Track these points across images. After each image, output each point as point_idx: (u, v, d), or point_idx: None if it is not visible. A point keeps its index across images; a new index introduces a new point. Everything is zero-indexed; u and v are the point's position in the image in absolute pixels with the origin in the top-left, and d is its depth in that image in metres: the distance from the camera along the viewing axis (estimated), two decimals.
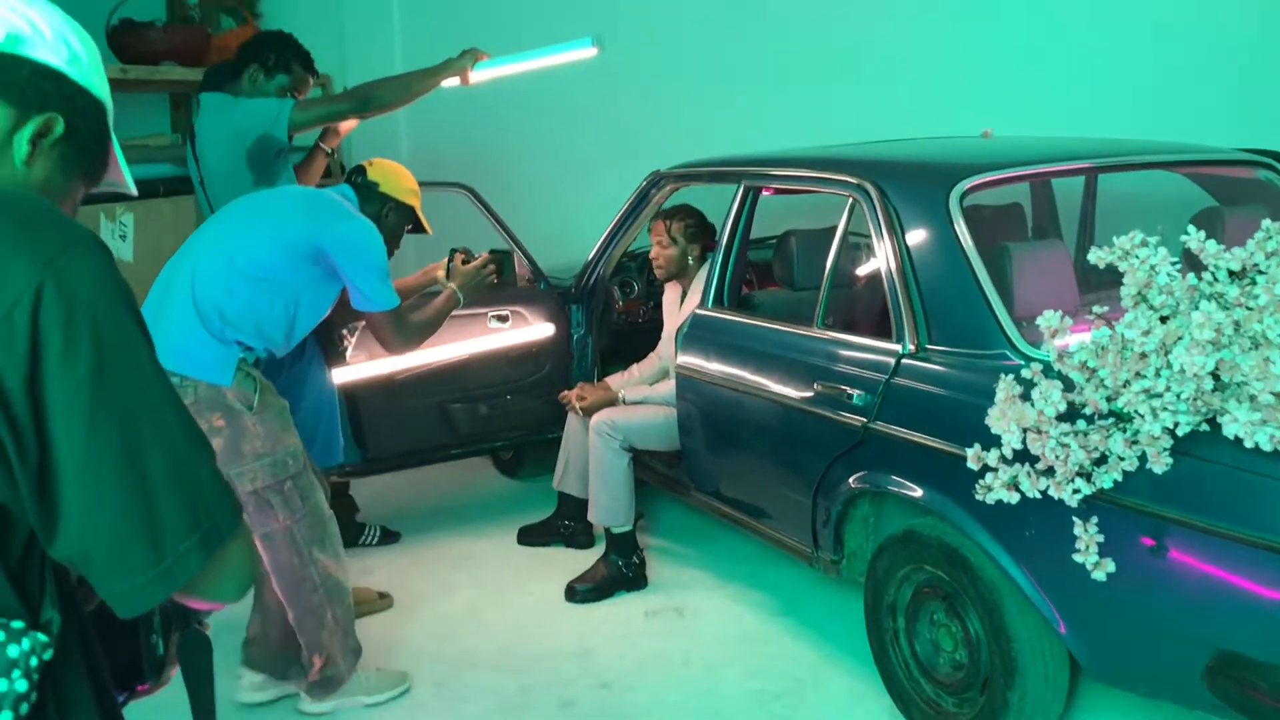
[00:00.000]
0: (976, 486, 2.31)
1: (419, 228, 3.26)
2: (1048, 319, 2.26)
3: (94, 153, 1.15)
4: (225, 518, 1.02)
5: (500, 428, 4.15)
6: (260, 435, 2.74)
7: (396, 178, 3.16)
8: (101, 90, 1.15)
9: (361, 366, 3.74)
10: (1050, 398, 2.14)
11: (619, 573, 3.68)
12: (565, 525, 4.08)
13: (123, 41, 5.33)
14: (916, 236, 2.77)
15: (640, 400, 3.82)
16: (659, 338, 4.15)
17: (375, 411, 3.86)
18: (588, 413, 3.79)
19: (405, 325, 3.01)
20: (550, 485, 4.09)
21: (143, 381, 0.98)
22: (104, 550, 0.95)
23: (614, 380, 4.03)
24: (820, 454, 2.92)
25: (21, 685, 0.91)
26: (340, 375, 3.60)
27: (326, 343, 3.52)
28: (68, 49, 1.10)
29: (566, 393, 3.97)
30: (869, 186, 2.92)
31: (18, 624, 0.93)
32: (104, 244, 1.00)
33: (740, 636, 3.34)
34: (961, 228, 2.69)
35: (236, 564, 1.04)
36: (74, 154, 1.12)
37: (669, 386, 3.71)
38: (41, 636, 0.94)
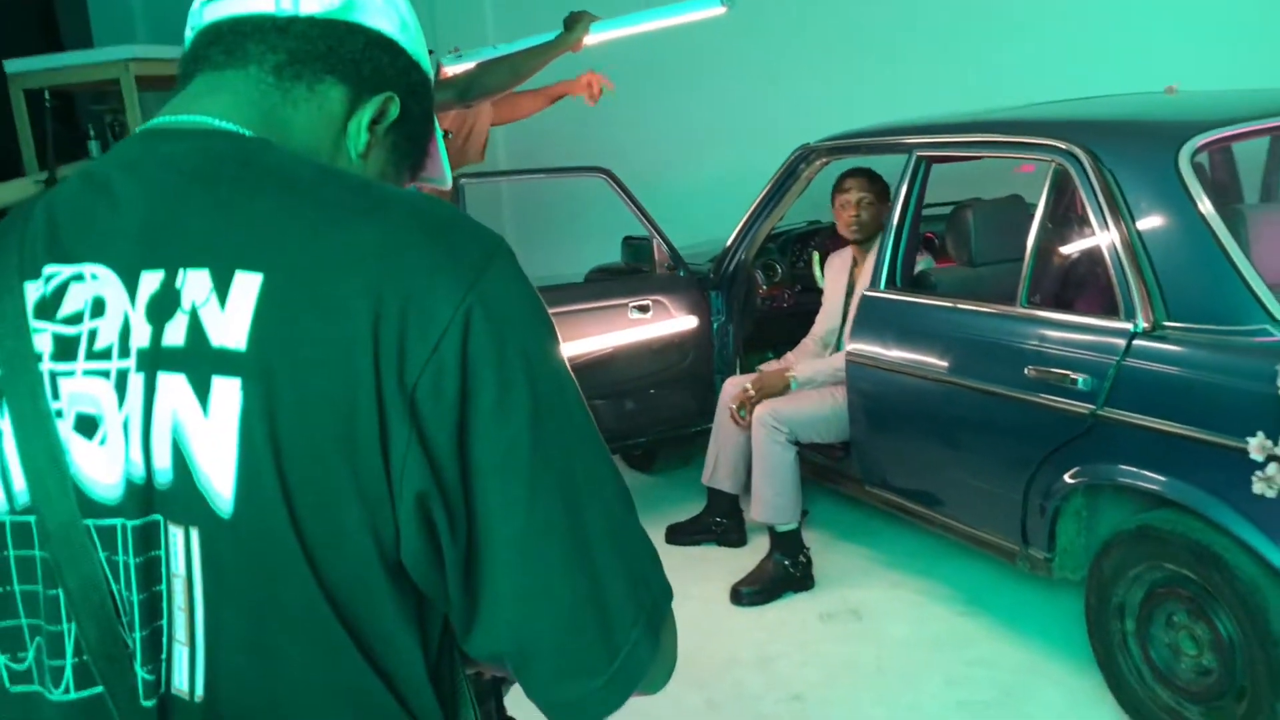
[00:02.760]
0: (1254, 478, 2.08)
1: None
2: None
3: (423, 139, 0.93)
4: (661, 589, 0.80)
5: (646, 422, 3.97)
6: None
7: None
8: (428, 63, 0.93)
9: None
10: None
11: (785, 573, 3.48)
12: (717, 522, 3.89)
13: None
14: (1143, 203, 2.52)
15: (809, 377, 3.58)
16: (805, 323, 3.94)
17: None
18: (766, 395, 3.55)
19: None
20: (689, 478, 3.90)
21: (578, 429, 0.76)
22: (550, 648, 0.74)
23: (768, 369, 3.82)
24: (1036, 444, 2.68)
25: None
26: None
27: None
28: (398, 12, 0.88)
29: (737, 392, 3.71)
30: (1078, 151, 2.66)
31: None
32: (514, 252, 0.77)
33: (931, 640, 3.12)
34: (1197, 189, 2.43)
35: (670, 644, 0.82)
36: (406, 141, 0.90)
37: (841, 360, 3.47)
38: None
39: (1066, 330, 2.67)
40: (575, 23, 3.34)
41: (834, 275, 3.82)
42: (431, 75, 0.95)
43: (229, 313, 0.69)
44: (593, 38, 3.37)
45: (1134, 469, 2.47)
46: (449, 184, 1.02)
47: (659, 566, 0.81)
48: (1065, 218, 2.92)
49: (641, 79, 5.20)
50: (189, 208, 0.74)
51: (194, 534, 0.69)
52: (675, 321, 3.89)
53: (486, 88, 3.34)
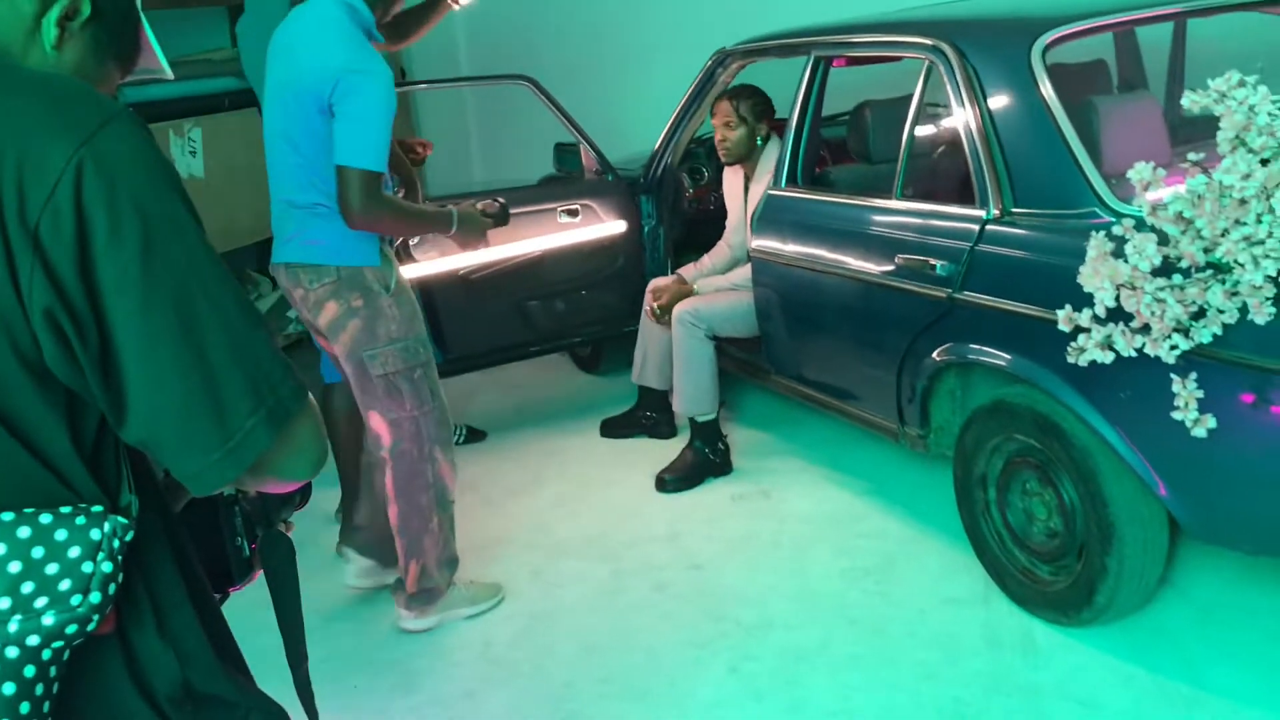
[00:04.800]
0: (1068, 349, 2.25)
1: None
2: (1139, 171, 2.17)
3: (124, 34, 1.11)
4: (290, 393, 1.00)
5: (577, 323, 4.16)
6: (395, 318, 2.74)
7: None
8: None
9: (431, 264, 3.72)
10: (1145, 251, 2.06)
11: (706, 460, 3.69)
12: (647, 416, 4.10)
13: None
14: (998, 97, 2.67)
15: (713, 290, 3.78)
16: None
17: (454, 313, 3.88)
18: (665, 310, 3.76)
19: (373, 194, 2.59)
20: (629, 379, 4.10)
21: (194, 258, 0.95)
22: (171, 430, 0.95)
23: (685, 271, 3.99)
24: (904, 329, 2.86)
25: (107, 566, 0.92)
26: (409, 272, 3.59)
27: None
28: None
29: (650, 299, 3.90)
30: (945, 47, 2.80)
31: (97, 508, 0.93)
32: (141, 120, 0.97)
33: (828, 516, 3.34)
34: (1045, 84, 2.57)
35: (306, 440, 1.03)
36: (104, 35, 1.08)
37: (742, 272, 3.67)
38: (121, 519, 0.94)
39: (931, 219, 2.83)
40: None
41: (729, 188, 3.97)
42: None
43: None
44: None
45: (983, 347, 2.65)
46: (169, 73, 1.20)
47: (290, 376, 1.01)
48: (936, 113, 3.06)
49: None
50: None
51: None
52: (604, 225, 4.05)
53: (406, 32, 3.30)
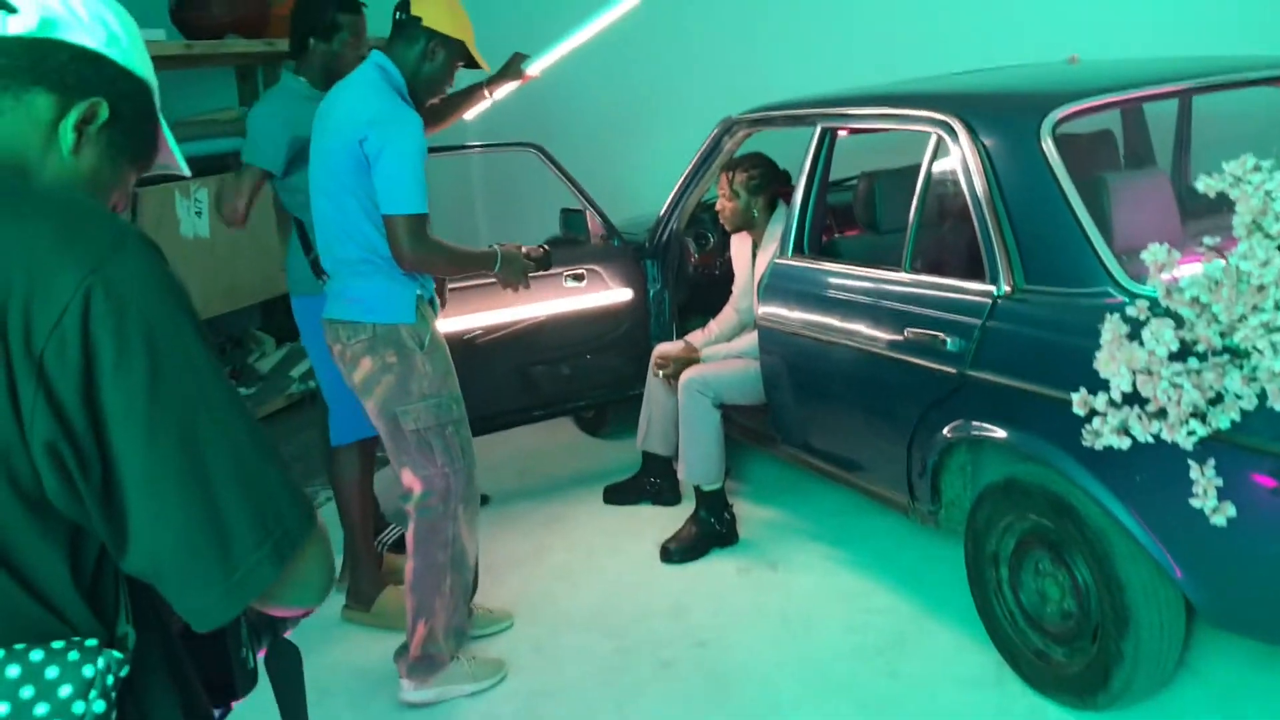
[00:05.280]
0: (1084, 432, 2.22)
1: (471, 63, 2.92)
2: (1154, 253, 2.15)
3: (142, 136, 1.10)
4: (297, 523, 0.97)
5: (582, 387, 4.12)
6: (428, 375, 2.78)
7: (443, 8, 2.82)
8: (145, 70, 1.09)
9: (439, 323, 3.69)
10: (1162, 337, 2.03)
11: (711, 530, 3.64)
12: (651, 483, 4.06)
13: (186, 17, 5.34)
14: (1007, 171, 2.65)
15: (720, 358, 3.75)
16: None
17: (458, 377, 3.83)
18: (674, 377, 3.73)
19: (421, 236, 2.67)
20: (633, 443, 4.06)
21: (203, 384, 0.93)
22: (174, 564, 0.92)
23: (694, 338, 3.97)
24: (914, 403, 2.83)
25: (99, 706, 0.88)
26: None
27: None
28: (105, 29, 1.05)
29: (655, 364, 3.90)
30: (954, 121, 2.79)
31: (92, 642, 0.90)
32: (153, 242, 0.95)
33: (837, 591, 3.29)
34: (1055, 160, 2.56)
35: (313, 570, 0.99)
36: (121, 138, 1.07)
37: (749, 340, 3.64)
38: (116, 654, 0.91)
39: (941, 292, 2.81)
40: (509, 66, 3.52)
41: (737, 255, 3.97)
42: (154, 85, 1.11)
43: None
44: (536, 67, 3.53)
45: (998, 426, 2.61)
46: (185, 171, 1.19)
47: (298, 505, 0.98)
48: (945, 186, 3.05)
49: (592, 65, 5.31)
50: None
51: None
52: (610, 289, 4.04)
53: (438, 118, 3.50)
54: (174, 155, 1.15)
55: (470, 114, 3.69)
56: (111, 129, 1.05)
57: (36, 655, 0.87)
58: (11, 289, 0.86)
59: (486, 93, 3.55)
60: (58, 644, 0.88)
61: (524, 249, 3.07)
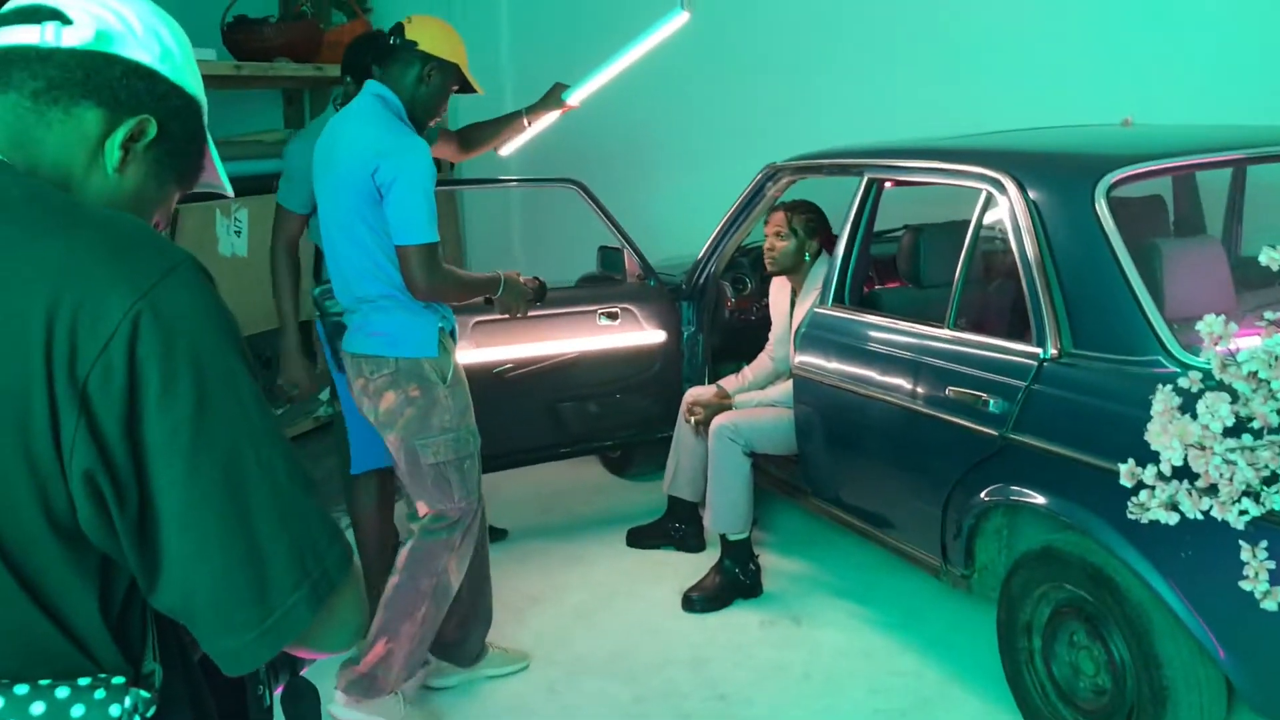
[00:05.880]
0: (1130, 505, 2.15)
1: (466, 87, 2.93)
2: (1210, 324, 2.08)
3: (189, 154, 1.07)
4: (335, 563, 0.93)
5: (610, 427, 4.08)
6: (450, 409, 2.79)
7: (438, 33, 2.84)
8: (196, 88, 1.06)
9: (462, 355, 3.68)
10: (1218, 412, 1.97)
11: (736, 580, 3.57)
12: (676, 528, 4.00)
13: (237, 39, 5.39)
14: (1059, 232, 2.60)
15: (753, 405, 3.70)
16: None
17: (485, 410, 3.77)
18: (705, 424, 3.68)
19: (434, 266, 2.69)
20: (658, 485, 4.01)
21: (248, 417, 0.89)
22: (208, 604, 0.87)
23: (727, 384, 3.92)
24: (951, 463, 2.77)
25: None
26: None
27: None
28: (160, 44, 1.02)
29: (687, 410, 3.86)
30: (1005, 179, 2.75)
31: (119, 680, 0.86)
32: (205, 269, 0.91)
33: (862, 650, 3.21)
34: (1109, 223, 2.51)
35: (348, 613, 0.95)
36: (168, 157, 1.03)
37: (783, 389, 3.59)
38: (144, 693, 0.87)
39: (985, 352, 2.75)
40: (549, 96, 3.56)
41: (776, 301, 3.93)
42: (204, 103, 1.08)
43: None
44: (576, 96, 3.54)
45: (1039, 492, 2.55)
46: (229, 191, 1.16)
47: (337, 544, 0.94)
48: (992, 243, 3.00)
49: (636, 103, 5.33)
50: None
51: None
52: (643, 329, 4.00)
53: (476, 144, 3.62)
54: (219, 174, 1.12)
55: (506, 149, 3.71)
56: (159, 147, 1.02)
57: (62, 692, 0.83)
58: (58, 308, 0.82)
59: (526, 122, 3.56)
60: (84, 680, 0.85)
61: (523, 278, 3.11)
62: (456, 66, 2.85)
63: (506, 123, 3.57)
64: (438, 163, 4.23)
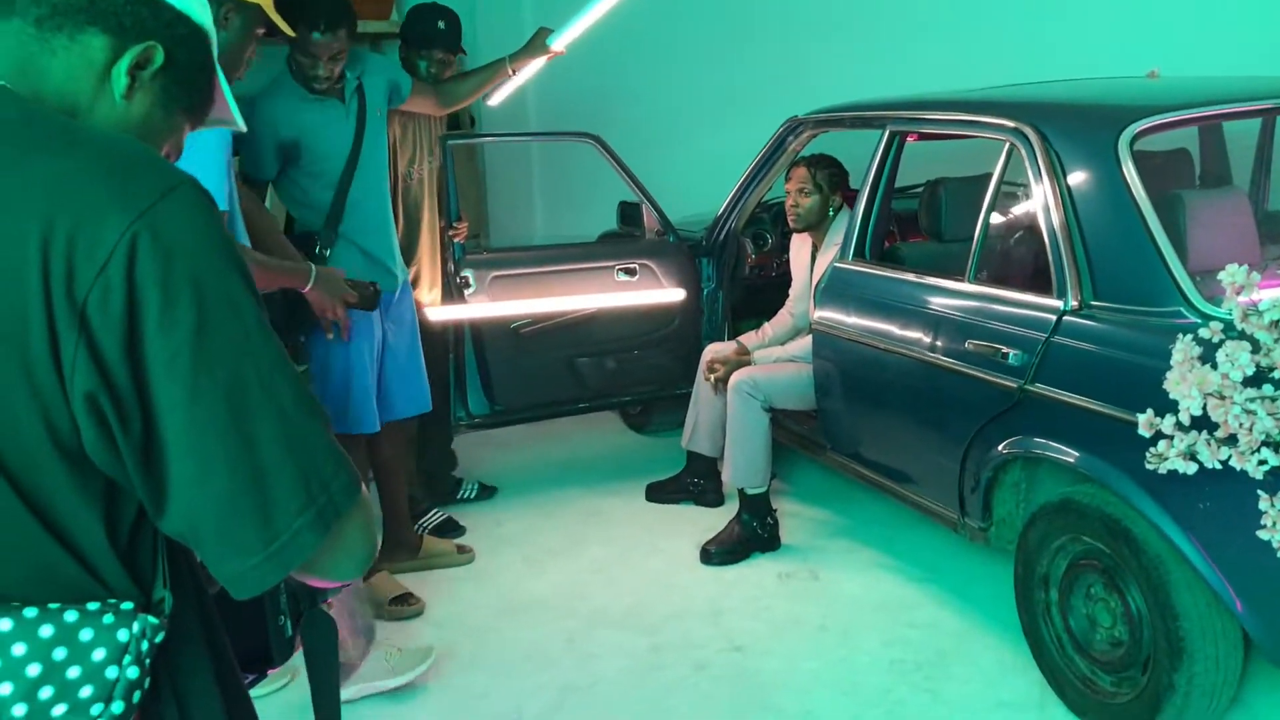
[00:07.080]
0: (1148, 455, 2.14)
1: (273, 28, 2.50)
2: (1232, 274, 2.07)
3: (197, 85, 1.06)
4: (342, 490, 0.92)
5: (629, 382, 4.09)
6: None
7: None
8: (203, 16, 1.05)
9: (479, 307, 3.71)
10: (1238, 360, 1.96)
11: (754, 534, 3.59)
12: (695, 483, 4.01)
13: None
14: (1081, 184, 2.58)
15: (772, 361, 3.70)
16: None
17: (504, 364, 3.83)
18: (724, 381, 3.68)
19: None
20: (677, 441, 4.02)
21: (250, 341, 0.88)
22: (213, 527, 0.87)
23: (748, 339, 3.92)
24: (971, 416, 2.76)
25: (133, 672, 0.85)
26: (456, 313, 3.67)
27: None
28: None
29: (706, 368, 3.86)
30: (1029, 130, 2.72)
31: (127, 605, 0.87)
32: (205, 191, 0.90)
33: (878, 602, 3.22)
34: (1132, 174, 2.48)
35: (355, 540, 0.95)
36: (175, 86, 1.02)
37: (803, 344, 3.59)
38: (152, 619, 0.88)
39: (1005, 305, 2.73)
40: (533, 42, 3.53)
41: (796, 256, 3.91)
42: (213, 34, 1.07)
43: None
44: (560, 41, 3.50)
45: (1057, 444, 2.54)
46: (241, 125, 1.15)
47: (344, 471, 0.93)
48: (1013, 195, 2.97)
49: (656, 57, 5.30)
50: None
51: None
52: (662, 286, 4.00)
53: (458, 97, 3.59)
54: (230, 109, 1.11)
55: (495, 99, 3.67)
56: (166, 75, 1.01)
57: (71, 616, 0.84)
58: (54, 228, 0.82)
59: (511, 70, 3.52)
60: (93, 605, 0.86)
61: (346, 280, 2.90)
62: (258, 6, 2.37)
63: (490, 72, 3.52)
64: (457, 116, 4.25)
